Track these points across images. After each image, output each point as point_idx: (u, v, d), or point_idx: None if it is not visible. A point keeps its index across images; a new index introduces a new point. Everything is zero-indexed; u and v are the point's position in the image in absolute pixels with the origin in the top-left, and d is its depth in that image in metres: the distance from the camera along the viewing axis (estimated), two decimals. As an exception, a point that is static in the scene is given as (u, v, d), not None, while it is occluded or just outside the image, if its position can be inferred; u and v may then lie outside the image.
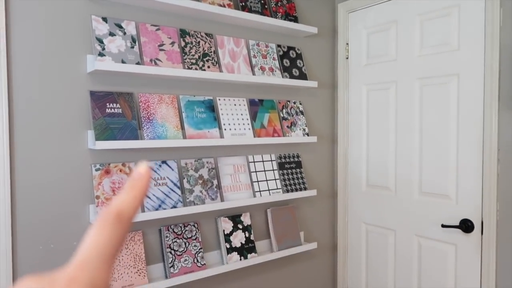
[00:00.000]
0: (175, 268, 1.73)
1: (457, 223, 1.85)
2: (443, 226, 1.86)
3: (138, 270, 1.65)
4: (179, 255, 1.76)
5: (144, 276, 1.65)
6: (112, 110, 1.61)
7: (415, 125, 2.02)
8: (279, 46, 2.17)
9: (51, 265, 1.53)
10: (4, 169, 1.41)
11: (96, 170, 1.59)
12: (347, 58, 2.37)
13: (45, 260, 1.51)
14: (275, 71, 2.11)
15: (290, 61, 2.19)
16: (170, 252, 1.74)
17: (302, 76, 2.21)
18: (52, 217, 1.53)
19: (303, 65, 2.24)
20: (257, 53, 2.06)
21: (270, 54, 2.12)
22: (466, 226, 1.80)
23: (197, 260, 1.80)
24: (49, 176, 1.52)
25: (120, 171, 1.64)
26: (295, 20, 2.20)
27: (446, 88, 1.89)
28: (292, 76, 2.17)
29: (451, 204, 1.88)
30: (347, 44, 2.37)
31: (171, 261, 1.73)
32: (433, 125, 1.95)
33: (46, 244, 1.52)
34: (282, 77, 2.13)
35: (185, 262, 1.76)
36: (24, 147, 1.47)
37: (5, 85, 1.42)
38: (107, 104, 1.61)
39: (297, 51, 2.24)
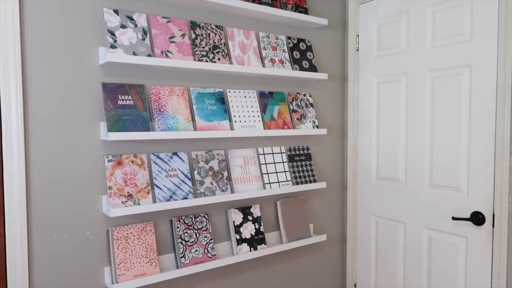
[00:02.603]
0: (186, 259, 1.75)
1: (468, 216, 1.84)
2: (453, 218, 1.85)
3: (150, 260, 1.67)
4: (190, 246, 1.78)
5: (156, 265, 1.68)
6: (124, 102, 1.63)
7: (426, 117, 2.01)
8: (289, 38, 2.16)
9: (65, 254, 1.55)
10: (19, 160, 1.44)
11: (109, 161, 1.61)
12: (358, 50, 2.36)
13: (59, 249, 1.54)
14: (285, 63, 2.11)
15: (300, 53, 2.19)
16: (181, 243, 1.76)
17: (312, 68, 2.21)
18: (66, 207, 1.56)
19: (313, 57, 2.23)
20: (267, 45, 2.06)
21: (280, 46, 2.11)
22: (477, 218, 1.79)
23: (208, 251, 1.82)
24: (63, 167, 1.55)
25: (132, 162, 1.66)
26: (305, 11, 2.19)
27: (458, 80, 1.87)
28: (302, 68, 2.16)
29: (462, 196, 1.87)
30: (358, 36, 2.35)
31: (182, 251, 1.75)
32: (444, 117, 1.93)
33: (60, 233, 1.54)
34: (292, 69, 2.13)
35: (195, 253, 1.78)
36: (38, 138, 1.50)
37: (19, 78, 1.44)
38: (119, 96, 1.63)
39: (307, 43, 2.23)
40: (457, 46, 1.87)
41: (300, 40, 2.21)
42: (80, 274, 1.59)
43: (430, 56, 1.98)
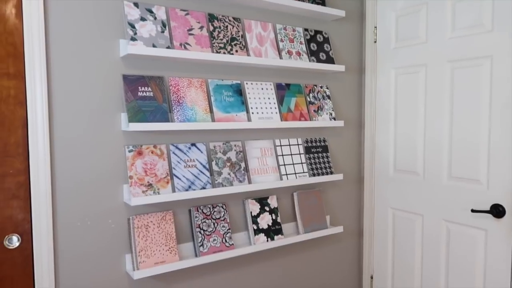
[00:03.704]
0: (205, 247, 1.78)
1: (488, 208, 1.82)
2: (473, 211, 1.83)
3: (169, 248, 1.71)
4: (208, 235, 1.81)
5: (175, 254, 1.72)
6: (144, 94, 1.66)
7: (445, 109, 1.99)
8: (306, 30, 2.16)
9: (88, 240, 1.61)
10: (45, 150, 1.49)
11: (129, 151, 1.65)
12: (375, 41, 2.34)
13: (83, 236, 1.59)
14: (302, 55, 2.11)
15: (317, 45, 2.18)
16: (200, 232, 1.79)
17: (329, 60, 2.20)
18: (89, 195, 1.60)
19: (330, 49, 2.23)
20: (284, 37, 2.07)
21: (297, 38, 2.12)
22: (497, 211, 1.77)
23: (226, 240, 1.85)
24: (86, 157, 1.59)
25: (152, 152, 1.69)
26: (323, 3, 2.18)
27: (478, 71, 1.85)
28: (319, 60, 2.16)
29: (482, 188, 1.85)
30: (375, 27, 2.33)
31: (201, 240, 1.78)
32: (464, 109, 1.91)
33: (84, 221, 1.59)
34: (309, 61, 2.13)
35: (214, 242, 1.82)
36: (62, 128, 1.54)
37: (44, 71, 1.48)
38: (139, 87, 1.66)
39: (325, 35, 2.23)
40: (477, 37, 1.84)
41: (317, 32, 2.21)
42: (102, 261, 1.64)
43: (449, 47, 1.96)
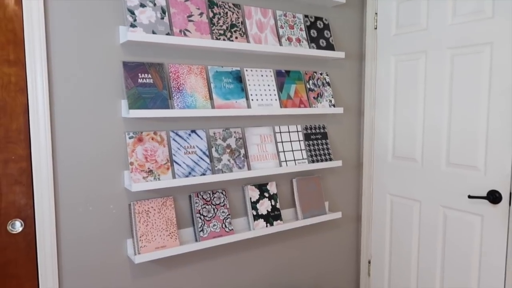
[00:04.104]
0: (205, 232, 1.81)
1: (485, 194, 1.84)
2: (469, 197, 1.85)
3: (170, 233, 1.74)
4: (208, 220, 1.84)
5: (176, 239, 1.75)
6: (144, 80, 1.67)
7: (445, 96, 1.99)
8: (306, 16, 2.15)
9: (90, 226, 1.63)
10: (46, 136, 1.50)
11: (130, 138, 1.66)
12: (376, 28, 2.33)
13: (84, 221, 1.62)
14: (302, 41, 2.11)
15: (318, 32, 2.18)
16: (200, 217, 1.82)
17: (329, 47, 2.20)
18: (90, 181, 1.62)
19: (331, 36, 2.22)
20: (284, 23, 2.06)
21: (297, 25, 2.11)
22: (493, 197, 1.79)
23: (225, 226, 1.88)
24: (87, 143, 1.61)
25: (152, 139, 1.71)
26: (323, -11, 2.17)
27: (478, 58, 1.85)
28: (319, 47, 2.16)
29: (479, 175, 1.86)
30: (376, 13, 2.32)
31: (201, 225, 1.81)
32: (463, 96, 1.91)
33: (85, 207, 1.62)
34: (309, 47, 2.12)
35: (213, 227, 1.84)
36: (63, 115, 1.55)
37: (44, 57, 1.49)
38: (139, 74, 1.67)
39: (325, 22, 2.22)
40: (478, 23, 1.84)
41: (317, 18, 2.20)
42: (104, 245, 1.67)
43: (450, 34, 1.95)
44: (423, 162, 2.11)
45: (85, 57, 1.59)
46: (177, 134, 1.77)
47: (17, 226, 1.50)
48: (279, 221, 2.04)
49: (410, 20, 2.14)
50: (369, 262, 2.47)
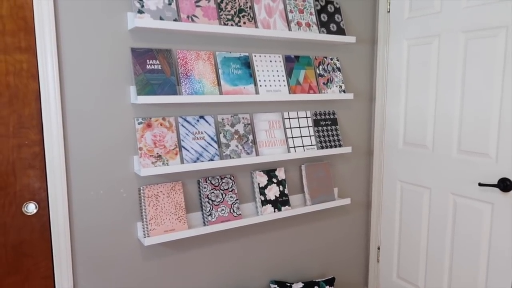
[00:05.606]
0: (213, 217, 1.85)
1: (496, 182, 1.81)
2: (480, 184, 1.83)
3: (178, 217, 1.77)
4: (216, 205, 1.87)
5: (185, 222, 1.78)
6: (152, 67, 1.69)
7: (457, 81, 1.95)
8: (316, 0, 2.12)
9: (101, 209, 1.68)
10: (57, 122, 1.54)
11: (139, 123, 1.69)
12: (389, 11, 2.28)
13: (96, 204, 1.67)
14: (312, 26, 2.08)
15: (328, 16, 2.14)
16: (208, 202, 1.85)
17: (340, 31, 2.17)
18: (101, 166, 1.67)
19: (342, 20, 2.18)
20: (293, 8, 2.04)
21: (307, 9, 2.08)
22: (504, 185, 1.76)
23: (233, 210, 1.91)
24: (97, 129, 1.65)
25: (161, 125, 1.73)
26: (334, -28, 2.12)
27: (492, 42, 1.79)
28: (329, 32, 2.13)
29: (491, 162, 1.83)
30: (389, -4, 2.27)
31: (209, 210, 1.84)
32: (476, 81, 1.87)
33: (96, 190, 1.67)
34: (319, 32, 2.10)
35: (222, 212, 1.87)
36: (74, 101, 1.59)
37: (54, 44, 1.51)
38: (147, 60, 1.68)
39: (336, 5, 2.18)
40: (493, 6, 1.78)
41: (328, 2, 2.16)
42: (115, 228, 1.72)
43: (464, 17, 1.90)
44: (434, 149, 2.08)
45: (94, 43, 1.61)
46: (185, 120, 1.79)
47: (32, 208, 1.56)
48: (287, 206, 2.06)
49: (423, 2, 2.08)
50: (378, 248, 2.48)
